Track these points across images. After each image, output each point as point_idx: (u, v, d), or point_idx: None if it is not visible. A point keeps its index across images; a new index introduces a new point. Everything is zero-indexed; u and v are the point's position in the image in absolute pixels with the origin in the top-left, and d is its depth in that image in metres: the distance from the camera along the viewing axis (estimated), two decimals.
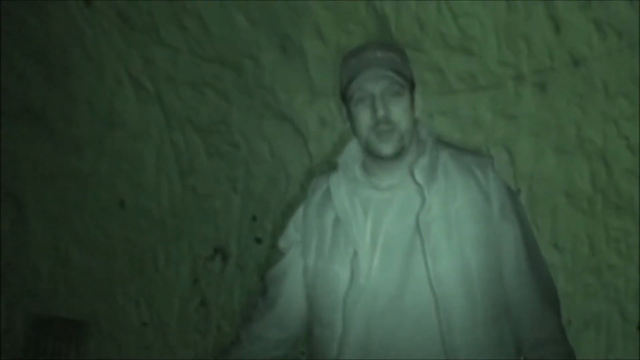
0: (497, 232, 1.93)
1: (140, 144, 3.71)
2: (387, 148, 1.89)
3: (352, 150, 2.06)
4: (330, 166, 2.16)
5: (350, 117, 1.97)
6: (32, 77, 4.02)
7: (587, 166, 2.79)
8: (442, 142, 2.05)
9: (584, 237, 2.83)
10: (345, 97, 1.97)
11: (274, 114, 3.28)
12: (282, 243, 2.13)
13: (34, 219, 4.24)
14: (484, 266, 1.89)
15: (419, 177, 1.91)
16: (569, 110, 2.79)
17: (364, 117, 1.90)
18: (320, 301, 1.97)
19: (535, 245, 2.03)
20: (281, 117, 3.26)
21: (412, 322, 1.86)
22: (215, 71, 3.39)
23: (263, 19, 3.21)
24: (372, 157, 1.95)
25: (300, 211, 2.10)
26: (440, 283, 1.84)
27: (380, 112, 1.87)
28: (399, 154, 1.91)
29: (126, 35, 3.61)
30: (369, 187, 1.97)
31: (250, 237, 3.42)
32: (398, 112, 1.88)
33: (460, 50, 2.92)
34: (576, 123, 2.78)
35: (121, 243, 3.94)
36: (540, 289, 1.97)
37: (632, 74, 2.67)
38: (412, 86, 1.94)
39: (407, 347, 1.88)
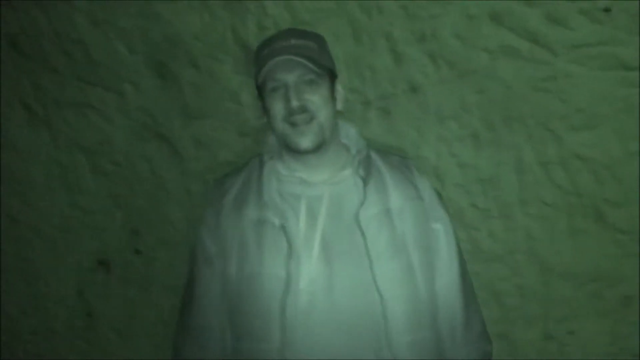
0: (429, 232, 1.81)
1: (30, 164, 3.78)
2: (305, 142, 1.70)
3: (274, 143, 1.89)
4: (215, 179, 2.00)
5: (265, 111, 1.80)
6: None
7: None
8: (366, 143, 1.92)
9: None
10: (260, 90, 1.81)
11: (153, 135, 3.40)
12: (202, 256, 1.88)
13: None
14: (425, 266, 1.76)
15: (362, 171, 1.75)
16: (408, 132, 3.00)
17: (278, 108, 1.72)
18: (250, 311, 1.73)
19: (459, 244, 1.92)
20: (160, 138, 3.39)
21: (356, 325, 1.67)
22: (99, 95, 3.49)
23: (142, 48, 3.35)
24: (290, 151, 1.77)
25: (210, 217, 1.88)
26: (385, 284, 1.68)
27: (294, 103, 1.68)
28: (318, 148, 1.73)
29: (17, 63, 3.69)
30: (297, 182, 1.78)
31: (131, 250, 3.52)
32: (316, 101, 1.70)
33: None
34: (414, 143, 3.00)
35: (12, 258, 4.00)
36: (466, 288, 1.88)
37: (461, 100, 2.92)
38: (332, 76, 1.77)
39: (351, 353, 1.68)
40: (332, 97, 1.76)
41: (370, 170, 1.78)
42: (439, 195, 1.95)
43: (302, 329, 1.67)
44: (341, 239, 1.71)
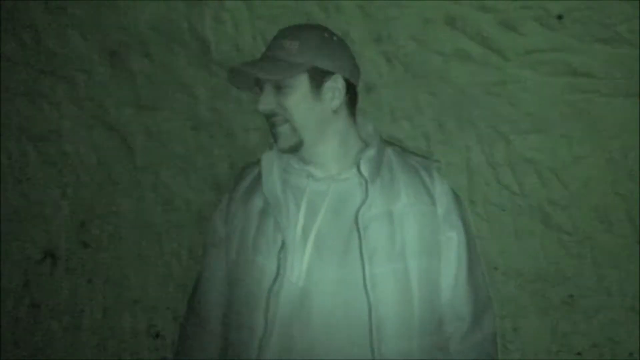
0: (439, 239, 1.73)
1: None
2: (280, 143, 1.70)
3: None
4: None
5: None
6: None
7: None
8: (386, 141, 1.88)
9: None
10: None
11: (102, 125, 3.35)
12: (211, 239, 1.88)
13: None
14: (424, 273, 1.69)
15: (364, 169, 1.70)
16: None
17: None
18: (240, 299, 1.71)
19: (476, 254, 1.84)
20: (109, 128, 3.34)
21: (342, 327, 1.63)
22: (49, 83, 3.43)
23: (95, 37, 3.30)
24: None
25: (224, 202, 1.87)
26: (376, 287, 1.62)
27: (262, 105, 1.68)
28: (295, 149, 1.70)
29: None
30: (304, 176, 1.75)
31: (78, 242, 3.46)
32: (286, 105, 1.67)
33: None
34: None
35: None
36: (474, 302, 1.79)
37: (415, 101, 2.95)
38: (318, 74, 1.69)
39: (335, 355, 1.62)
40: (317, 96, 1.70)
41: (379, 170, 1.73)
42: (460, 203, 1.86)
43: (285, 320, 1.65)
44: (337, 237, 1.68)
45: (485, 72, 2.84)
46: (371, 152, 1.74)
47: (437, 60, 2.89)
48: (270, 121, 1.69)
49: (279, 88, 1.67)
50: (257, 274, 1.68)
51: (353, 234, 1.66)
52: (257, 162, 1.87)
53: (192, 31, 3.17)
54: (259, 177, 1.79)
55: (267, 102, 1.68)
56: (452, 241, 1.75)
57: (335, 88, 1.72)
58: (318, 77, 1.70)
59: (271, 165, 1.76)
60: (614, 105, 2.73)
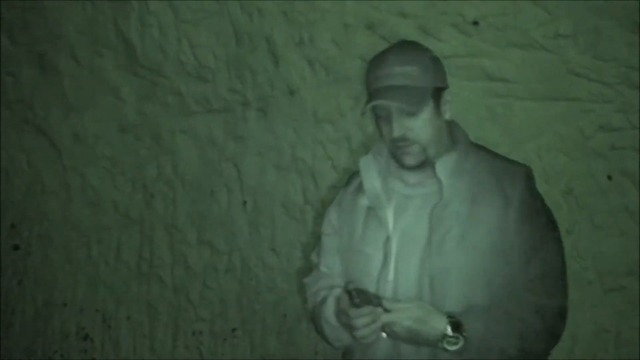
0: (510, 244, 1.72)
1: None
2: (408, 160, 1.75)
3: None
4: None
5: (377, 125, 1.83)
6: None
7: (299, 182, 3.02)
8: (478, 145, 1.89)
9: (297, 242, 3.04)
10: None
11: (31, 128, 3.29)
12: (326, 229, 1.96)
13: None
14: (490, 273, 1.71)
15: (440, 172, 1.75)
16: (285, 133, 3.01)
17: (385, 133, 1.76)
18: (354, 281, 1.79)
19: (554, 259, 1.78)
20: (38, 131, 3.28)
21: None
22: None
23: (23, 39, 3.24)
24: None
25: (338, 198, 1.97)
26: (440, 283, 1.70)
27: (395, 133, 1.72)
28: (421, 165, 1.76)
29: None
30: (397, 179, 1.82)
31: (9, 244, 3.39)
32: (416, 128, 1.73)
33: (197, 77, 3.09)
34: (291, 144, 3.01)
35: None
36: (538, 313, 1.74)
37: (337, 104, 2.93)
38: (437, 92, 1.75)
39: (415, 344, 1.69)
40: (438, 113, 1.75)
41: (459, 173, 1.77)
42: (544, 207, 1.81)
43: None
44: (417, 234, 1.75)
45: None
46: (450, 156, 1.78)
47: (358, 64, 2.87)
48: (397, 145, 1.74)
49: (408, 114, 1.72)
50: (366, 262, 1.79)
51: (425, 231, 1.74)
52: None
53: (118, 34, 3.12)
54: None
55: (400, 128, 1.72)
56: (523, 246, 1.73)
57: (448, 101, 1.79)
58: (437, 95, 1.76)
59: (369, 168, 1.86)
60: (529, 108, 2.73)
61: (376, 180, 1.84)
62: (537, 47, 2.71)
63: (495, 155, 1.89)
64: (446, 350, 1.66)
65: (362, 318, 1.67)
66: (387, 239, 1.76)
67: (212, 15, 2.99)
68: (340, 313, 1.75)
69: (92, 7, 3.14)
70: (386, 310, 1.67)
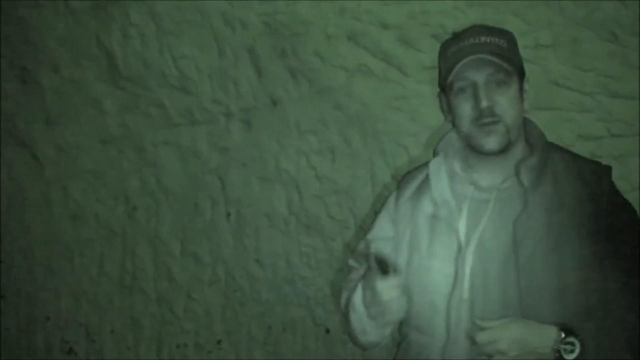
0: (602, 251, 1.56)
1: None
2: (490, 143, 1.58)
3: (453, 141, 1.74)
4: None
5: (451, 109, 1.66)
6: None
7: (283, 193, 3.00)
8: (554, 145, 1.73)
9: (281, 253, 3.01)
10: (444, 88, 1.67)
11: (13, 141, 3.24)
12: (378, 233, 1.79)
13: None
14: (583, 288, 1.54)
15: (525, 178, 1.59)
16: (269, 144, 2.99)
17: (465, 109, 1.59)
18: (417, 302, 1.62)
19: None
20: (19, 144, 3.24)
21: None
22: None
23: (4, 52, 3.19)
24: (474, 152, 1.65)
25: (390, 205, 1.79)
26: (531, 301, 1.52)
27: (484, 103, 1.55)
28: (503, 150, 1.60)
29: None
30: (467, 183, 1.66)
31: None
32: (504, 103, 1.57)
33: (179, 89, 3.06)
34: (275, 155, 2.99)
35: None
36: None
37: (320, 115, 2.93)
38: (521, 75, 1.63)
39: None
40: (521, 97, 1.62)
41: (541, 178, 1.60)
42: (630, 209, 1.66)
43: (464, 326, 1.57)
44: (496, 244, 1.58)
45: (387, 87, 2.83)
46: (533, 159, 1.62)
47: (341, 76, 2.87)
48: (482, 122, 1.57)
49: (497, 84, 1.58)
50: (434, 280, 1.62)
51: (509, 243, 1.56)
52: (420, 168, 1.80)
53: (100, 46, 3.09)
54: (424, 182, 1.72)
55: (489, 97, 1.56)
56: (614, 254, 1.57)
57: (527, 91, 1.66)
58: (520, 79, 1.64)
59: (439, 170, 1.68)
60: None
61: (446, 184, 1.66)
62: None
63: (574, 155, 1.72)
64: None
65: (389, 290, 1.51)
66: (459, 251, 1.59)
67: (194, 26, 2.97)
68: (366, 288, 1.57)
69: (74, 19, 3.10)
70: (481, 329, 1.52)
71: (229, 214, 3.06)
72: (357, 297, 1.66)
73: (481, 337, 1.51)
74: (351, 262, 1.88)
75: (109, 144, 3.11)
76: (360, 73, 2.85)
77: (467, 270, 1.58)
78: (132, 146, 3.11)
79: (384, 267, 1.52)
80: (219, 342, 3.10)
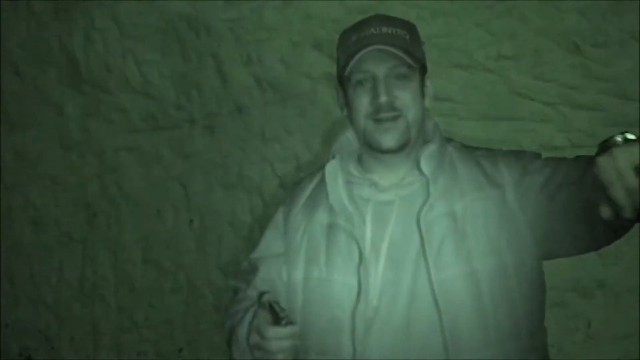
0: (516, 220, 1.46)
1: None
2: (388, 140, 1.47)
3: (349, 140, 1.62)
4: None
5: (347, 103, 1.54)
6: None
7: (247, 200, 2.96)
8: (447, 138, 1.63)
9: (244, 260, 2.98)
10: (342, 80, 1.55)
11: None
12: (263, 252, 1.65)
13: None
14: (496, 275, 1.45)
15: (425, 167, 1.48)
16: (232, 151, 2.95)
17: (363, 103, 1.48)
18: (318, 321, 1.50)
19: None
20: None
21: (417, 345, 1.43)
22: None
23: None
24: (370, 150, 1.53)
25: (279, 219, 1.65)
26: (444, 295, 1.42)
27: (383, 98, 1.45)
28: (402, 148, 1.50)
29: None
30: (367, 185, 1.54)
31: None
32: (405, 97, 1.47)
33: (142, 94, 3.01)
34: (238, 162, 2.95)
35: None
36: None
37: (284, 123, 2.89)
38: (423, 69, 1.53)
39: None
40: (422, 93, 1.51)
41: (441, 167, 1.51)
42: (534, 155, 1.57)
43: (372, 342, 1.44)
44: (407, 245, 1.47)
45: None
46: (432, 147, 1.52)
47: (305, 83, 2.84)
48: (380, 117, 1.46)
49: (398, 78, 1.47)
50: (336, 294, 1.48)
51: (417, 239, 1.46)
52: (311, 175, 1.68)
53: (62, 50, 3.03)
54: (317, 189, 1.59)
55: (389, 92, 1.46)
56: (536, 184, 1.46)
57: (428, 87, 1.55)
58: (421, 75, 1.52)
59: (336, 174, 1.54)
60: (471, 128, 2.73)
61: (343, 189, 1.53)
62: (480, 68, 2.72)
63: (466, 145, 1.64)
64: None
65: (279, 341, 1.39)
66: (361, 261, 1.47)
67: (158, 31, 2.93)
68: (254, 330, 1.43)
69: (36, 22, 3.04)
70: None
71: (191, 221, 3.01)
72: (242, 332, 1.52)
73: None
74: (233, 282, 1.76)
75: (70, 149, 3.04)
76: (324, 81, 2.83)
77: (376, 280, 1.46)
78: (93, 151, 3.05)
79: (276, 315, 1.40)
80: (180, 350, 3.04)
